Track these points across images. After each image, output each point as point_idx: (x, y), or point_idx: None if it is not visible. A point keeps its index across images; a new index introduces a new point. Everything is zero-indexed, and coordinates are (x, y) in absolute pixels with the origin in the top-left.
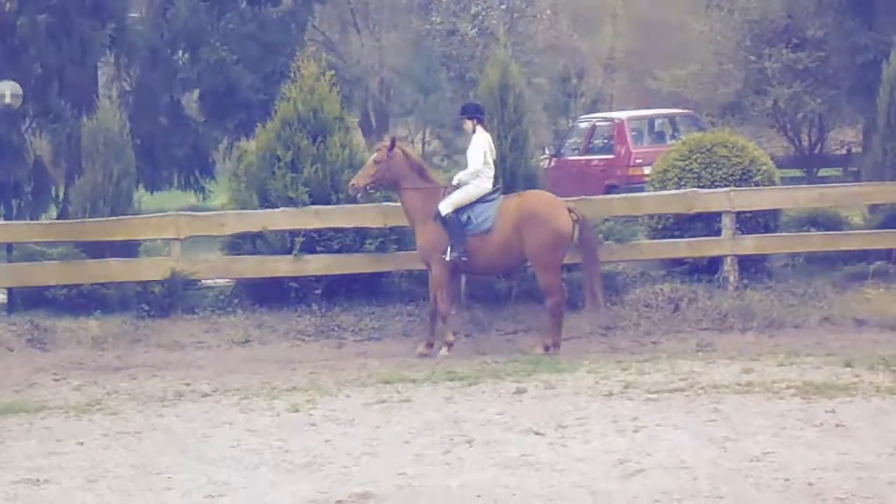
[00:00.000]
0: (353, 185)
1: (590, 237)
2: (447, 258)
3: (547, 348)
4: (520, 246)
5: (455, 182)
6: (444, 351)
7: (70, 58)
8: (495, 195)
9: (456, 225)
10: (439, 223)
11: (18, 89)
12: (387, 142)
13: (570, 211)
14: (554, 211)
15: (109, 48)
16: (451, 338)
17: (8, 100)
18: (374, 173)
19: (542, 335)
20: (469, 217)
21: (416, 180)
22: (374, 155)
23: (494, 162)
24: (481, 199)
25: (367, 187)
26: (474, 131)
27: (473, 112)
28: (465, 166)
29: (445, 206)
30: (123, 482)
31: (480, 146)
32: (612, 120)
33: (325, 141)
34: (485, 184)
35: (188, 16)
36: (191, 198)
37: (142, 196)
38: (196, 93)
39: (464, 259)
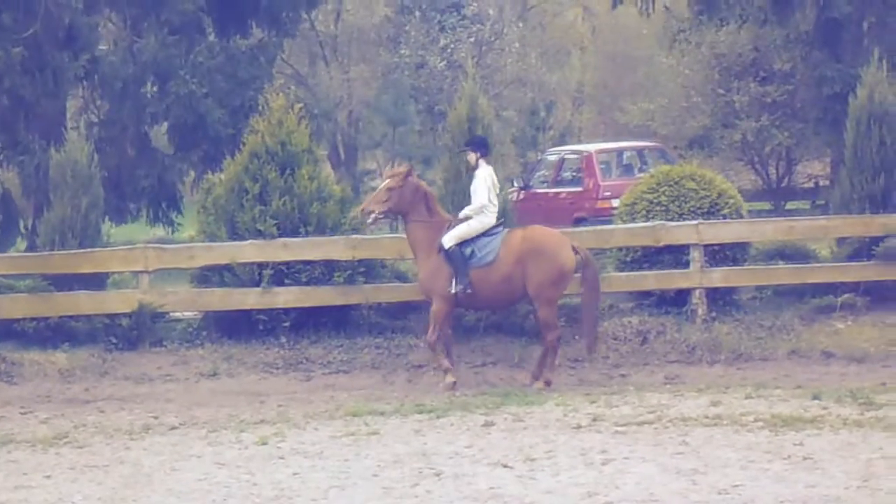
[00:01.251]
0: (364, 209)
1: (591, 274)
2: (452, 291)
3: (548, 383)
4: (522, 280)
5: (460, 214)
6: (450, 377)
7: (43, 90)
8: (498, 228)
9: (459, 258)
10: (443, 256)
11: None
12: (401, 169)
13: (573, 247)
14: (558, 246)
15: (81, 80)
16: (447, 364)
17: None
18: (386, 200)
19: (544, 370)
20: (473, 250)
21: (423, 212)
22: (388, 182)
23: (497, 195)
24: (485, 233)
25: (378, 215)
26: (476, 165)
27: (478, 145)
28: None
29: (449, 240)
30: None
31: (484, 181)
32: (580, 153)
33: (293, 173)
34: (489, 218)
35: (157, 49)
36: (158, 230)
37: (109, 228)
38: (164, 125)
39: (469, 292)
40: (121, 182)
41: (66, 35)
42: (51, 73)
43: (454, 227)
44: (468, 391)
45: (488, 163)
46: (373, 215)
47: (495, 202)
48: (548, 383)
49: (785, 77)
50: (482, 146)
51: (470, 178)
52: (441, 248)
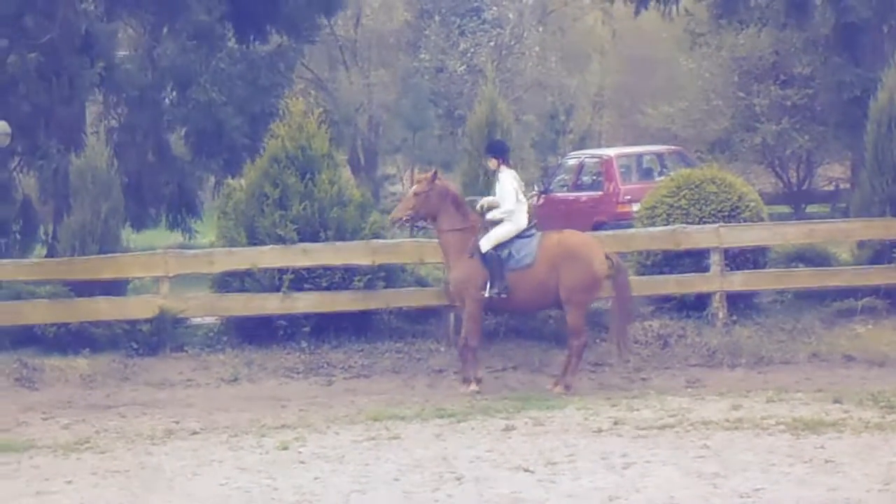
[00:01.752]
0: (392, 216)
1: (623, 282)
2: (486, 294)
3: (568, 387)
4: (556, 283)
5: (489, 217)
6: (473, 387)
7: (59, 97)
8: (532, 231)
9: (496, 261)
10: (479, 260)
11: (7, 128)
12: (428, 174)
13: (605, 254)
14: (592, 252)
15: (98, 87)
16: (480, 373)
17: None
18: (412, 206)
19: (563, 375)
20: (510, 252)
21: (454, 214)
22: (414, 187)
23: (525, 196)
24: (520, 235)
25: (405, 219)
26: (498, 170)
27: (498, 150)
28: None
29: (486, 243)
30: None
31: (510, 184)
32: (600, 157)
33: (313, 178)
34: (521, 220)
35: (176, 55)
36: (177, 237)
37: (129, 235)
38: (183, 131)
39: (503, 296)
40: (141, 188)
41: (83, 41)
42: (67, 79)
43: (488, 229)
44: (489, 395)
45: (509, 166)
46: (399, 221)
47: (524, 201)
48: (567, 387)
49: (805, 81)
50: (502, 150)
51: (488, 182)
52: (478, 252)
